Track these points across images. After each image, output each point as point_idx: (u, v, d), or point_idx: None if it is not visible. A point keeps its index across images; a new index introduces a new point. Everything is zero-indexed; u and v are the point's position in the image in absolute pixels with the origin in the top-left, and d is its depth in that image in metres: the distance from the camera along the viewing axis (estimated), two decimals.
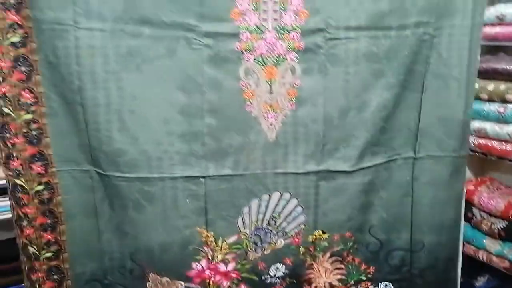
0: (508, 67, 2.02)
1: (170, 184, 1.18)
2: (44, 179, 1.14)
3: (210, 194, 1.19)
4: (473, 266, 2.23)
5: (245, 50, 1.15)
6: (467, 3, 1.22)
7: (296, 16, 1.15)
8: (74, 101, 1.10)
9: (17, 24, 1.05)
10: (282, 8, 1.14)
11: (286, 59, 1.18)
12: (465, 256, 2.20)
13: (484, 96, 2.08)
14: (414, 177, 1.31)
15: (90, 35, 1.07)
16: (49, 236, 1.17)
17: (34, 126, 1.11)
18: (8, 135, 1.10)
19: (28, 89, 1.09)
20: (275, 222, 1.27)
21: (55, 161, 1.14)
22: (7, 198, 1.15)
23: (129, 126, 1.13)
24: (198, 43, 1.12)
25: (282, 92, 1.19)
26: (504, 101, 2.01)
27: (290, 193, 1.24)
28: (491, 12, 2.06)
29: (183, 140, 1.16)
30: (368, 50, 1.19)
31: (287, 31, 1.16)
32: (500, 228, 2.02)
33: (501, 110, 2.02)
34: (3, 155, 1.10)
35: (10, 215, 1.16)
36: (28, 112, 1.10)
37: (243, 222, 1.25)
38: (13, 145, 1.10)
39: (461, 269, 2.31)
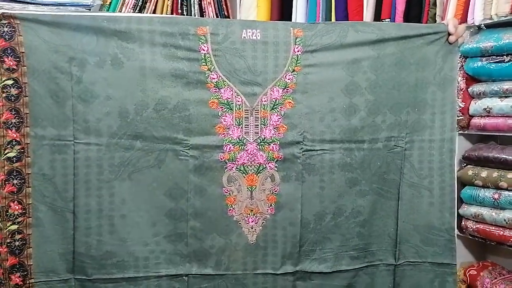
0: (499, 156, 2.04)
1: (155, 282, 1.25)
2: None
3: None
4: None
5: (228, 160, 1.27)
6: (434, 120, 1.31)
7: (275, 130, 1.27)
8: (64, 210, 1.20)
9: (15, 140, 1.17)
10: (263, 124, 1.26)
11: (266, 168, 1.28)
12: None
13: (479, 182, 2.10)
14: (396, 284, 1.35)
15: (87, 149, 1.20)
16: None
17: (18, 236, 1.19)
18: None
19: (17, 201, 1.18)
20: None
21: (34, 272, 1.21)
22: None
23: (119, 229, 1.23)
24: (185, 154, 1.23)
25: (262, 198, 1.28)
26: (497, 188, 2.00)
27: None
28: (479, 105, 2.12)
29: (168, 241, 1.25)
30: (343, 160, 1.29)
31: (267, 143, 1.27)
32: None
33: (496, 196, 2.03)
34: None
35: None
36: (14, 223, 1.19)
37: None
38: None
39: None
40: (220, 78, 1.23)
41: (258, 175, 1.26)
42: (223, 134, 1.24)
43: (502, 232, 1.95)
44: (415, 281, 1.34)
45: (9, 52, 1.15)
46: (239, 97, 1.24)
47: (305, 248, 1.29)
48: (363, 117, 1.27)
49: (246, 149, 1.25)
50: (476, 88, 2.05)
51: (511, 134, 1.97)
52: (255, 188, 1.26)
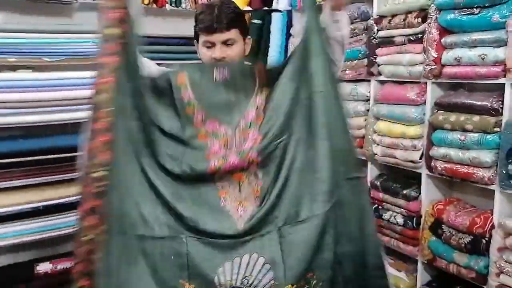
0: (466, 101, 2.15)
1: (159, 243, 1.40)
2: None
3: (190, 253, 1.39)
4: (445, 279, 2.38)
5: (216, 169, 1.47)
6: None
7: (253, 141, 1.50)
8: None
9: None
10: (244, 141, 1.50)
11: (249, 168, 1.50)
12: (438, 269, 2.37)
13: (448, 126, 2.23)
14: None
15: None
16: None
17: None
18: None
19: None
20: (247, 281, 1.42)
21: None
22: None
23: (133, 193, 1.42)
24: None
25: (248, 191, 1.49)
26: (464, 130, 2.13)
27: (257, 253, 1.42)
28: (450, 54, 2.17)
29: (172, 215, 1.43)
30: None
31: (247, 152, 1.49)
32: (466, 242, 2.20)
33: (462, 138, 2.17)
34: None
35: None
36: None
37: (219, 281, 1.40)
38: None
39: (435, 282, 2.50)
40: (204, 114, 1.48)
41: (244, 173, 1.48)
42: (212, 158, 1.47)
43: (466, 170, 2.15)
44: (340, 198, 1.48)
45: None
46: (222, 126, 1.49)
47: (282, 208, 1.45)
48: None
49: (229, 160, 1.47)
50: (449, 39, 2.11)
51: (479, 81, 2.06)
52: (242, 183, 1.48)
